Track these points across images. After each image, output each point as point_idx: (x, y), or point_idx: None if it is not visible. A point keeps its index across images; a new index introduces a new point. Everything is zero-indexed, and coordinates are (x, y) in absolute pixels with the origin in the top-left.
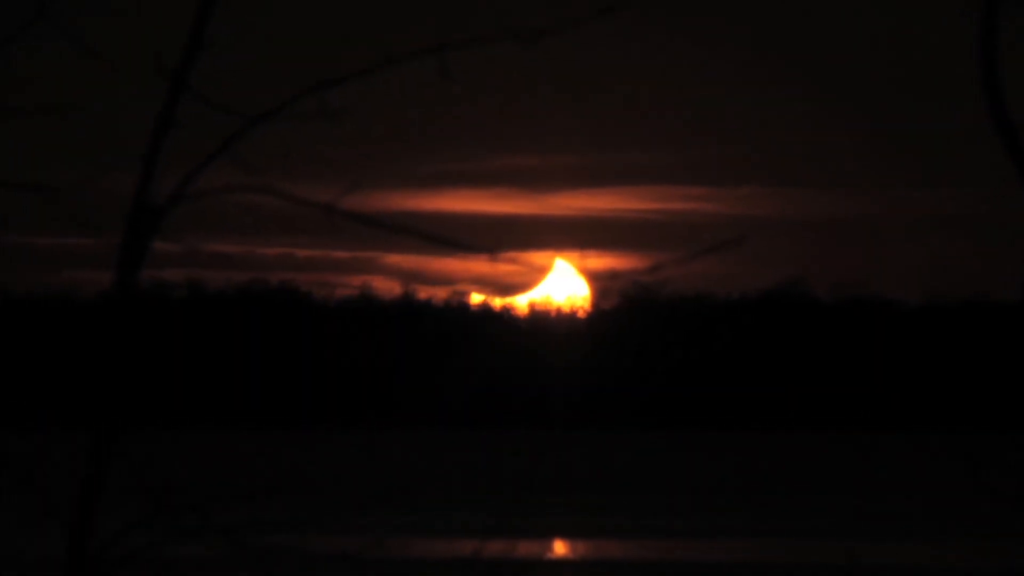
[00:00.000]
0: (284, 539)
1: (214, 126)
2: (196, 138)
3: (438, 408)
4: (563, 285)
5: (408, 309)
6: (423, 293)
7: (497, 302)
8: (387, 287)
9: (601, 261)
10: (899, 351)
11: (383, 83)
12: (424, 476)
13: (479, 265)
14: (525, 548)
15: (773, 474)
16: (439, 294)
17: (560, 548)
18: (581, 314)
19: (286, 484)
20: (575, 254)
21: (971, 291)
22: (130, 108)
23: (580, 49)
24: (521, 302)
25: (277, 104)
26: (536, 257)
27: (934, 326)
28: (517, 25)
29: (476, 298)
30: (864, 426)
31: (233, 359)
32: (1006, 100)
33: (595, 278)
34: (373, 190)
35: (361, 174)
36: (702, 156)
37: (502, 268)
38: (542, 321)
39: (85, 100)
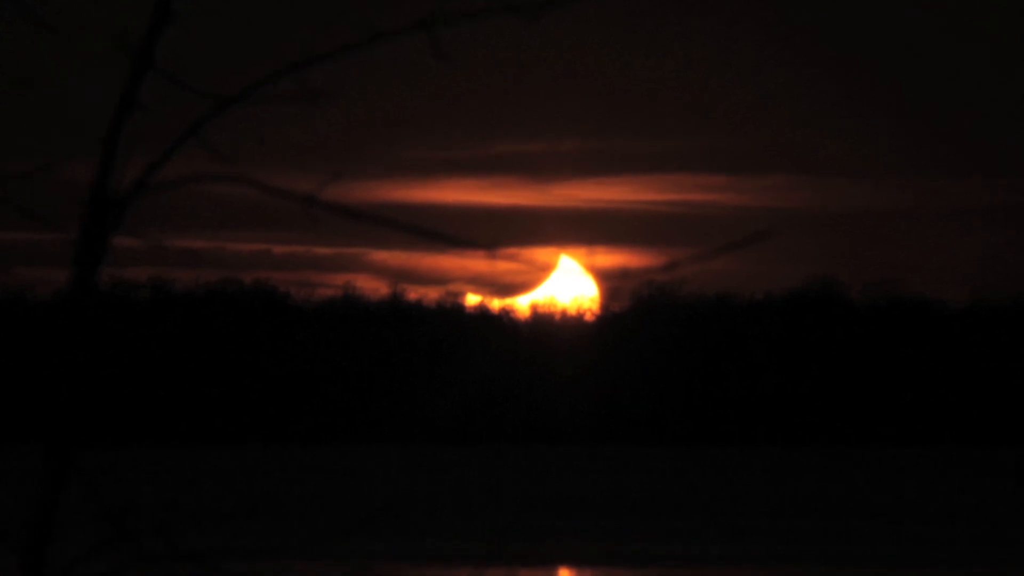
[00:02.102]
0: (259, 565)
1: (181, 109)
2: (161, 122)
3: (429, 421)
4: (569, 285)
5: (396, 311)
6: (413, 294)
7: (495, 304)
8: (373, 287)
9: (611, 258)
10: (941, 357)
11: (369, 61)
12: (414, 496)
13: (475, 263)
14: None
15: (801, 493)
16: (431, 295)
17: None
18: (589, 317)
19: (261, 505)
20: (582, 250)
21: (1020, 290)
22: (88, 88)
23: (588, 23)
24: (522, 304)
25: (251, 84)
26: (539, 254)
27: (980, 329)
28: None
29: (472, 299)
30: (902, 440)
31: (203, 367)
32: None
33: (604, 277)
34: (358, 179)
35: (344, 162)
36: (722, 142)
37: (501, 266)
38: (545, 325)
39: (38, 78)
